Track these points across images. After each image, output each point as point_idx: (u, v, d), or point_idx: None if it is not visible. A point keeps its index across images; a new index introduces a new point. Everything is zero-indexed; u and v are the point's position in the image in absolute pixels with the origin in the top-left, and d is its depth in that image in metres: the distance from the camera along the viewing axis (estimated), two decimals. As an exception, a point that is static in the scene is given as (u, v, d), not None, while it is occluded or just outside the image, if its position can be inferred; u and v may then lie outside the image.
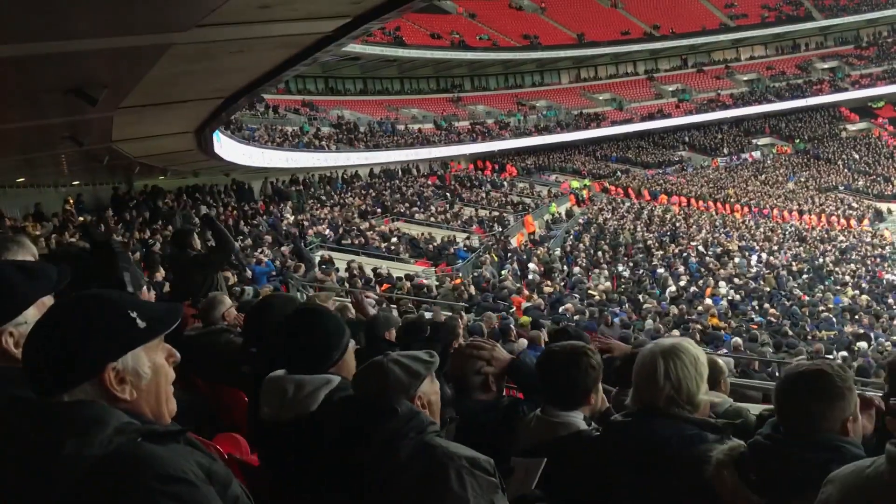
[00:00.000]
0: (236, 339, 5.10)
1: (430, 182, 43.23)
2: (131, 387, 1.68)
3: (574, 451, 2.95)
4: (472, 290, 19.48)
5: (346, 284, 18.63)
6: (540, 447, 3.02)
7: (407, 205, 35.33)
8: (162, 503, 1.47)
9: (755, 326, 19.35)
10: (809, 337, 19.26)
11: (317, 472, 2.51)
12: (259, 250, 19.59)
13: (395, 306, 14.12)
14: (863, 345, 17.85)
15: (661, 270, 27.33)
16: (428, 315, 11.88)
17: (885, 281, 30.41)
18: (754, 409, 4.04)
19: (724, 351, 14.65)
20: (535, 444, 3.07)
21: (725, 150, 59.15)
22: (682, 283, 25.13)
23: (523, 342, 10.32)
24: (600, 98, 61.51)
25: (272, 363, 3.06)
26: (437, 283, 20.51)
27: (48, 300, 2.06)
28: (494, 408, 3.51)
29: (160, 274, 13.47)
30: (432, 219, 34.10)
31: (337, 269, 20.63)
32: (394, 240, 28.08)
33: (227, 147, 21.66)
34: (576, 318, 16.24)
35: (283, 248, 21.02)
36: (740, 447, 2.55)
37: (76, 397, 1.62)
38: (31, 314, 2.00)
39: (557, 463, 2.92)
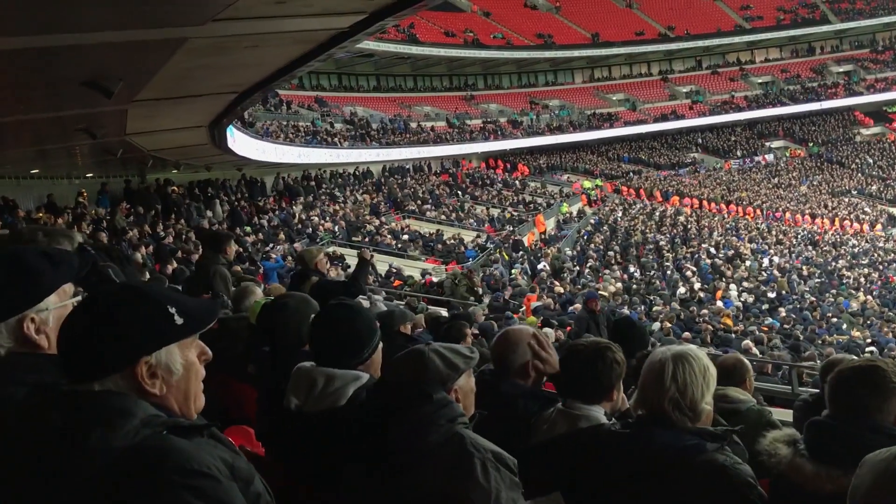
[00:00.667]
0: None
1: (441, 180, 43.22)
2: (162, 382, 1.69)
3: (594, 443, 2.96)
4: (479, 281, 19.57)
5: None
6: (560, 438, 3.04)
7: (418, 202, 35.32)
8: (185, 497, 1.47)
9: (766, 329, 19.29)
10: (819, 341, 19.17)
11: (341, 463, 2.52)
12: (270, 245, 19.63)
13: (401, 303, 14.17)
14: (873, 350, 17.74)
15: (671, 272, 27.26)
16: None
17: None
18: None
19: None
20: (555, 435, 3.08)
21: (739, 153, 58.92)
22: (692, 285, 25.06)
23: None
24: (614, 98, 61.36)
25: (286, 361, 3.06)
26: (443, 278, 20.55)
27: (69, 288, 2.08)
28: (535, 396, 3.49)
29: (171, 266, 13.55)
30: (443, 216, 34.10)
31: (348, 266, 20.66)
32: (404, 237, 28.12)
33: (240, 142, 21.71)
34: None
35: (296, 244, 21.05)
36: (795, 434, 2.65)
37: (105, 387, 1.63)
38: (53, 301, 2.01)
39: (576, 455, 2.94)
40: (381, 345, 3.06)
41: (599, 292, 21.33)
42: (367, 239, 26.43)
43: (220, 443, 1.72)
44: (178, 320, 1.71)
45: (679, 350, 2.87)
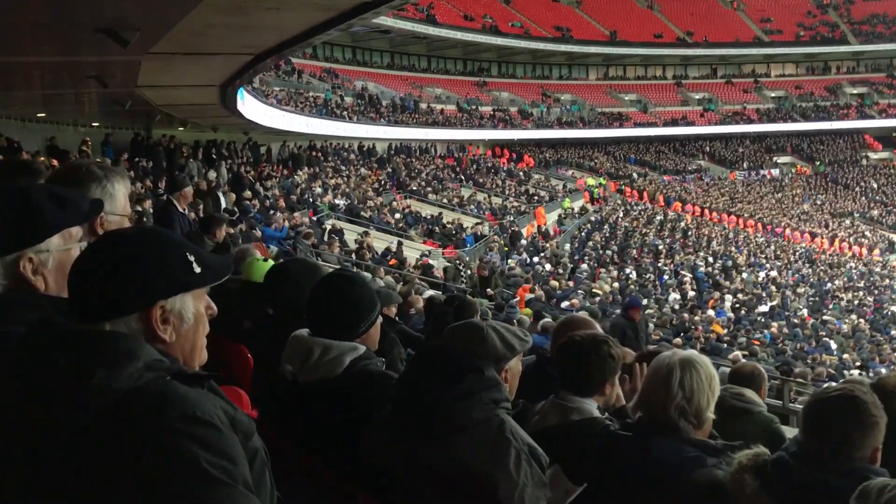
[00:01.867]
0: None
1: (446, 163, 43.16)
2: (173, 329, 1.67)
3: (586, 435, 2.93)
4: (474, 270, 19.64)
5: (354, 256, 18.65)
6: (552, 428, 3.00)
7: (422, 184, 35.27)
8: (186, 444, 1.44)
9: (757, 342, 19.32)
10: (809, 359, 19.22)
11: (334, 435, 2.50)
12: (272, 212, 19.59)
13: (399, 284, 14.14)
14: (856, 373, 17.81)
15: (667, 277, 27.30)
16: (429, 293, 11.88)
17: (889, 312, 30.32)
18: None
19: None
20: (546, 426, 3.04)
21: (745, 165, 58.90)
22: (687, 292, 25.08)
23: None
24: (626, 98, 61.21)
25: (284, 324, 3.03)
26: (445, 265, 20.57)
27: (76, 231, 2.03)
28: None
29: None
30: (445, 200, 34.07)
31: (344, 242, 20.65)
32: (398, 216, 28.07)
33: (249, 105, 21.63)
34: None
35: (295, 214, 21.00)
36: (765, 454, 2.50)
37: (118, 328, 1.60)
38: (55, 243, 1.97)
39: (567, 447, 2.88)
40: (379, 319, 3.01)
41: (594, 290, 21.42)
42: (366, 215, 26.41)
43: (219, 396, 1.70)
44: (197, 269, 1.70)
45: (686, 356, 2.82)
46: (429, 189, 34.79)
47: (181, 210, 8.55)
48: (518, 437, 2.35)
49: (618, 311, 18.97)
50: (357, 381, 2.70)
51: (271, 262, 5.05)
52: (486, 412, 2.35)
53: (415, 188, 34.28)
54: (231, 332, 4.58)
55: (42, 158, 17.18)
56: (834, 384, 2.58)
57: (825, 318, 26.49)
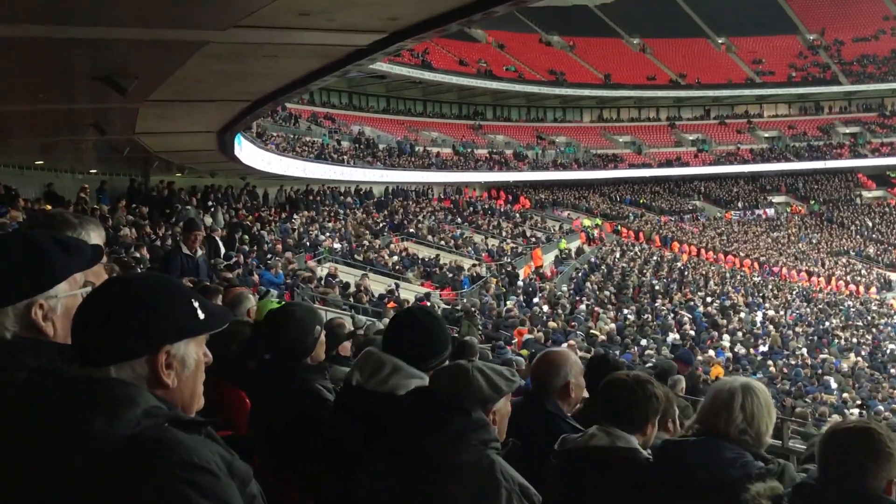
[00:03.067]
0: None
1: (443, 206, 43.31)
2: (175, 374, 1.69)
3: (629, 460, 3.02)
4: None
5: (352, 300, 18.64)
6: (598, 449, 3.07)
7: (419, 226, 35.36)
8: (184, 490, 1.45)
9: (756, 383, 19.23)
10: (809, 398, 19.15)
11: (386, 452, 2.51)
12: (269, 257, 19.61)
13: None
14: (856, 412, 17.78)
15: (665, 317, 27.26)
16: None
17: (888, 350, 30.26)
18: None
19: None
20: (592, 445, 3.10)
21: (740, 204, 59.10)
22: (685, 332, 25.04)
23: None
24: (620, 140, 61.62)
25: (283, 367, 3.04)
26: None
27: (80, 277, 2.05)
28: (571, 426, 3.53)
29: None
30: (442, 242, 34.14)
31: (347, 284, 20.63)
32: (395, 258, 28.08)
33: (247, 151, 21.75)
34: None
35: (287, 254, 20.99)
36: (779, 488, 2.60)
37: (122, 373, 1.61)
38: (63, 289, 1.98)
39: (610, 466, 3.01)
40: (447, 362, 3.03)
41: (591, 331, 21.39)
42: (364, 258, 26.43)
43: (216, 442, 1.70)
44: (201, 315, 1.73)
45: (746, 382, 2.98)
46: (426, 231, 34.87)
47: (189, 253, 8.42)
48: (509, 477, 2.34)
49: (617, 352, 18.98)
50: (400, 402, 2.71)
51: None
52: (475, 453, 2.34)
53: (412, 230, 34.36)
54: (230, 376, 4.58)
55: (46, 207, 17.28)
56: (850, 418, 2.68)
57: (824, 356, 26.43)
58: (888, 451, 2.51)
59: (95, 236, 2.75)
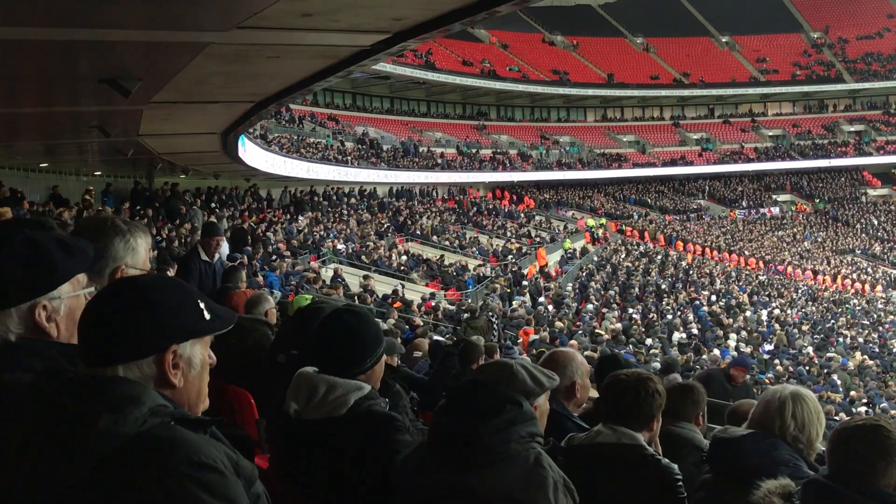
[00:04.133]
0: (272, 336, 5.09)
1: (447, 206, 43.32)
2: (182, 374, 1.70)
3: (636, 455, 3.08)
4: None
5: (356, 300, 18.63)
6: (605, 446, 3.13)
7: (423, 227, 35.37)
8: (191, 489, 1.46)
9: (768, 381, 19.23)
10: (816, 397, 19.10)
11: (338, 475, 2.49)
12: (274, 258, 19.62)
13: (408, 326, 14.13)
14: (868, 411, 17.72)
15: (670, 317, 27.23)
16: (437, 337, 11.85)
17: (894, 348, 30.18)
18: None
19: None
20: (598, 441, 3.16)
21: (744, 203, 59.05)
22: (691, 332, 25.02)
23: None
24: (624, 139, 61.61)
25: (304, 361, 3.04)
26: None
27: (83, 278, 2.06)
28: (577, 425, 3.58)
29: (171, 271, 13.47)
30: (447, 243, 34.15)
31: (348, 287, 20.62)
32: (403, 258, 28.11)
33: (250, 152, 21.76)
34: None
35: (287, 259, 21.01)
36: (791, 485, 2.61)
37: (130, 372, 1.62)
38: (66, 290, 2.00)
39: (617, 462, 3.07)
40: (384, 356, 3.03)
41: (596, 331, 21.37)
42: (368, 258, 26.44)
43: (221, 442, 1.71)
44: (207, 316, 1.74)
45: (795, 390, 3.06)
46: (430, 232, 34.87)
47: (206, 259, 7.95)
48: (555, 468, 2.39)
49: (622, 351, 18.95)
50: (361, 421, 2.69)
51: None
52: (523, 444, 2.39)
53: (416, 231, 34.37)
54: (230, 376, 4.59)
55: (49, 208, 17.30)
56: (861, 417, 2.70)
57: (830, 355, 26.37)
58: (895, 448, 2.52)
59: (142, 242, 2.78)
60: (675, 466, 3.11)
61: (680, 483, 3.06)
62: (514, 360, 2.78)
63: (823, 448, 2.89)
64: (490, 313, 19.35)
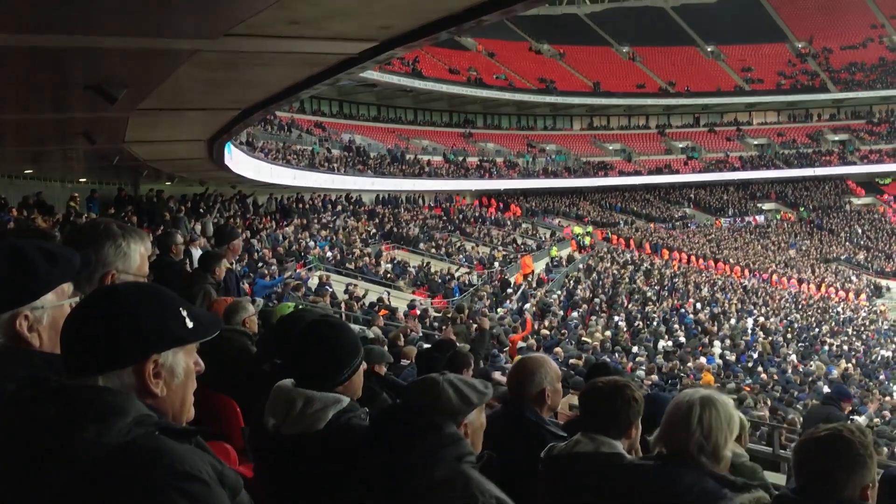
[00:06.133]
0: (252, 346, 5.07)
1: (434, 213, 43.34)
2: (164, 384, 1.68)
3: (614, 465, 3.04)
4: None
5: (343, 307, 18.60)
6: (583, 455, 3.10)
7: (409, 234, 35.35)
8: (175, 498, 1.45)
9: (748, 389, 19.29)
10: (799, 405, 19.17)
11: (318, 489, 2.47)
12: (260, 265, 19.57)
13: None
14: (856, 419, 17.76)
15: (655, 324, 27.29)
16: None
17: (878, 356, 30.37)
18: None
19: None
20: (577, 451, 3.12)
21: (730, 211, 59.34)
22: (677, 339, 25.08)
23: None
24: (610, 147, 61.82)
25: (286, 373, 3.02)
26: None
27: (68, 287, 2.04)
28: (552, 433, 3.55)
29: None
30: (433, 250, 34.14)
31: (334, 294, 20.58)
32: (388, 266, 28.08)
33: (237, 159, 21.70)
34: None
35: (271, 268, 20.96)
36: (765, 498, 2.59)
37: (111, 382, 1.61)
38: (50, 300, 1.98)
39: (595, 472, 3.02)
40: (363, 365, 2.99)
41: (583, 339, 21.38)
42: (355, 266, 26.41)
43: (206, 451, 1.70)
44: (189, 324, 1.72)
45: (706, 395, 2.94)
46: (417, 239, 34.87)
47: (227, 265, 7.56)
48: (485, 491, 2.27)
49: (607, 358, 18.97)
50: (339, 435, 2.67)
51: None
52: (448, 470, 2.28)
53: (403, 239, 34.35)
54: (215, 384, 4.56)
55: (37, 217, 17.19)
56: (825, 425, 2.64)
57: (815, 363, 26.49)
58: (860, 457, 2.48)
59: (137, 248, 2.73)
60: None
61: None
62: (443, 377, 2.66)
63: (730, 453, 2.88)
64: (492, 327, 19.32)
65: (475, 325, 14.65)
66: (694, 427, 2.81)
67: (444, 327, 15.85)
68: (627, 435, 3.20)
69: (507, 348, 17.00)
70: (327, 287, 20.04)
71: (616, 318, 27.13)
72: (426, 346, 12.33)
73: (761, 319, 32.55)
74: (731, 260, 47.19)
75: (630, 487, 2.90)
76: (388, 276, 27.00)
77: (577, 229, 48.11)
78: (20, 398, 1.60)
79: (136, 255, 2.72)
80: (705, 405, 2.85)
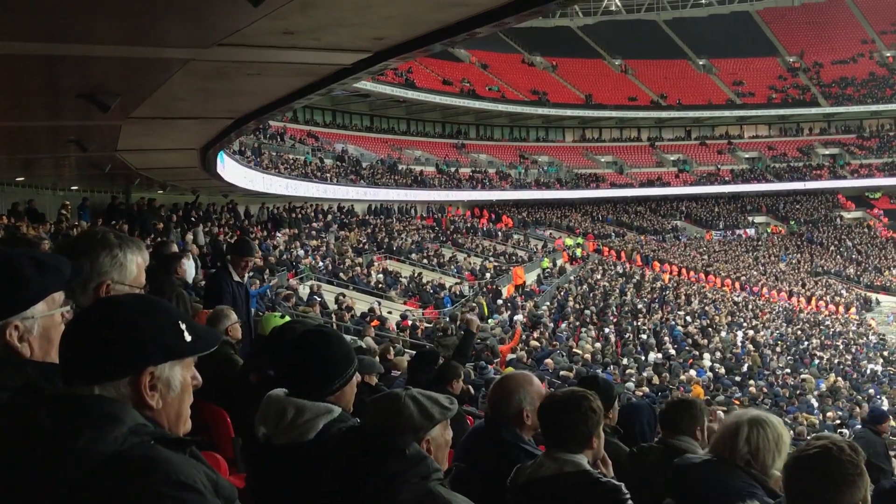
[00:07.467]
0: (236, 355, 5.05)
1: (426, 224, 43.35)
2: (160, 396, 1.68)
3: (580, 485, 3.02)
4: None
5: (334, 317, 18.57)
6: (547, 480, 3.07)
7: (401, 244, 35.35)
8: None
9: (738, 402, 19.31)
10: (790, 418, 19.21)
11: (308, 500, 2.46)
12: (251, 273, 19.50)
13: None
14: (845, 432, 17.81)
15: (645, 336, 27.32)
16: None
17: (867, 370, 30.46)
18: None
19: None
20: (541, 476, 3.09)
21: (721, 224, 59.50)
22: (666, 352, 25.11)
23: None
24: (602, 160, 62.00)
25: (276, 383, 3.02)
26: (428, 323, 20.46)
27: (59, 296, 2.03)
28: (528, 452, 3.51)
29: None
30: (425, 261, 34.14)
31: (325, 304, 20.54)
32: (380, 276, 28.05)
33: (229, 168, 21.69)
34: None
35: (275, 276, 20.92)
36: None
37: (106, 392, 1.61)
38: (40, 309, 1.96)
39: (562, 496, 3.01)
40: (356, 376, 2.97)
41: (573, 350, 21.38)
42: (347, 276, 26.38)
43: (201, 462, 1.70)
44: (188, 337, 1.72)
45: (755, 415, 3.06)
46: (409, 249, 34.86)
47: (238, 279, 7.33)
48: None
49: (598, 370, 18.98)
50: (330, 445, 2.65)
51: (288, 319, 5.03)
52: (413, 491, 2.26)
53: (394, 249, 34.34)
54: (208, 396, 4.55)
55: (24, 224, 17.11)
56: (816, 440, 2.64)
57: (804, 376, 26.55)
58: (849, 476, 2.43)
59: (134, 258, 2.71)
60: (622, 485, 3.04)
61: (628, 501, 3.02)
62: (405, 392, 2.65)
63: (778, 472, 2.92)
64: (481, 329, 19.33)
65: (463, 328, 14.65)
66: (741, 445, 2.94)
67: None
68: (590, 446, 3.16)
69: (496, 360, 17.00)
70: (316, 297, 19.98)
71: (606, 329, 27.16)
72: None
73: (751, 332, 32.61)
74: (721, 273, 47.30)
75: (682, 482, 3.04)
76: (380, 286, 26.98)
77: (569, 241, 48.18)
78: (15, 406, 1.60)
79: (133, 266, 2.71)
80: (753, 424, 2.96)
